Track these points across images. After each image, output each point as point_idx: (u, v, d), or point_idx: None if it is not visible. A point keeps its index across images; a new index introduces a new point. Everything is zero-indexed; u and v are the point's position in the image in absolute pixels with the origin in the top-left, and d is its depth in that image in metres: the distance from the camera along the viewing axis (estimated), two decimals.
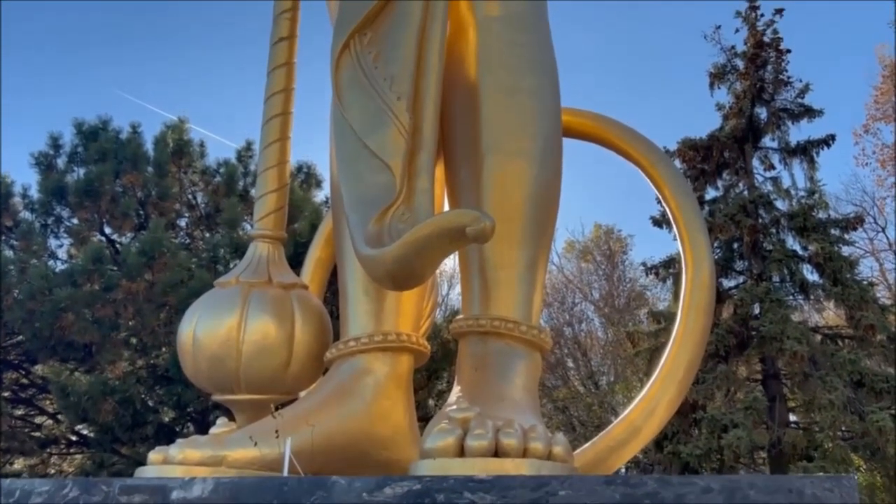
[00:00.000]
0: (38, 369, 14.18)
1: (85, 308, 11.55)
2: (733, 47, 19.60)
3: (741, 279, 17.90)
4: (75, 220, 13.67)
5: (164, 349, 12.45)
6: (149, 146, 14.21)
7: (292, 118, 4.02)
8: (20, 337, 12.80)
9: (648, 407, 3.54)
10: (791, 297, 17.21)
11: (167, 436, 11.30)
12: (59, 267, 13.33)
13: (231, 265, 11.43)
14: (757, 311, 16.61)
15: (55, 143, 13.82)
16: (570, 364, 29.88)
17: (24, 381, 14.63)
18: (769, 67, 18.82)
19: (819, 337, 17.03)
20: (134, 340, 12.89)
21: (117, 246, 13.87)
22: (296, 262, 4.64)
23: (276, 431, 2.82)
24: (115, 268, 12.41)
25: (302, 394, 3.52)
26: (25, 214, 13.64)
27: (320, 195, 16.03)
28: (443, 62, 3.15)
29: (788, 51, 18.96)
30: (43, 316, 11.37)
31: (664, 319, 17.88)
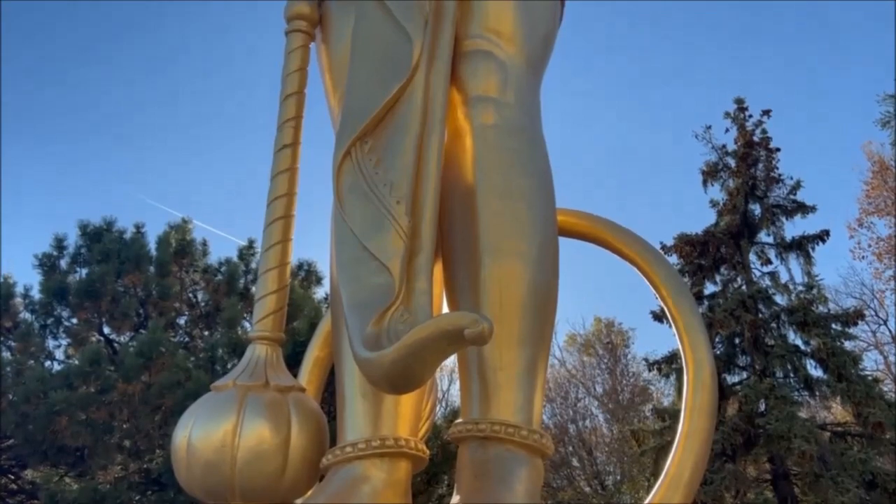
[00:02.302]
0: (28, 474, 13.82)
1: (79, 411, 11.37)
2: (724, 146, 20.21)
3: (745, 374, 17.73)
4: (75, 321, 13.67)
5: (157, 452, 12.16)
6: (152, 245, 14.39)
7: (294, 220, 4.09)
8: (12, 441, 12.54)
9: None
10: (796, 393, 16.98)
11: None
12: (56, 368, 13.21)
13: (229, 365, 11.34)
14: (762, 407, 16.34)
15: (59, 245, 14.01)
16: (576, 463, 29.15)
17: (14, 486, 14.22)
18: (760, 165, 19.32)
19: (828, 435, 16.68)
20: (127, 444, 12.62)
21: (115, 346, 13.80)
22: (294, 361, 4.60)
23: None
24: (113, 368, 12.30)
25: (298, 502, 3.42)
26: (25, 315, 13.66)
27: (320, 292, 16.10)
28: (440, 168, 3.24)
29: (778, 149, 19.53)
30: (36, 419, 11.18)
31: (669, 417, 17.58)
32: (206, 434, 3.19)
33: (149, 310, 13.86)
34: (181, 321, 15.23)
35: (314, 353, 4.67)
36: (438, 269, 3.56)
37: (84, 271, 13.68)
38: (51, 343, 13.91)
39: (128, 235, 14.26)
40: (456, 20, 3.48)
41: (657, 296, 4.02)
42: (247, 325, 13.59)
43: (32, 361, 12.62)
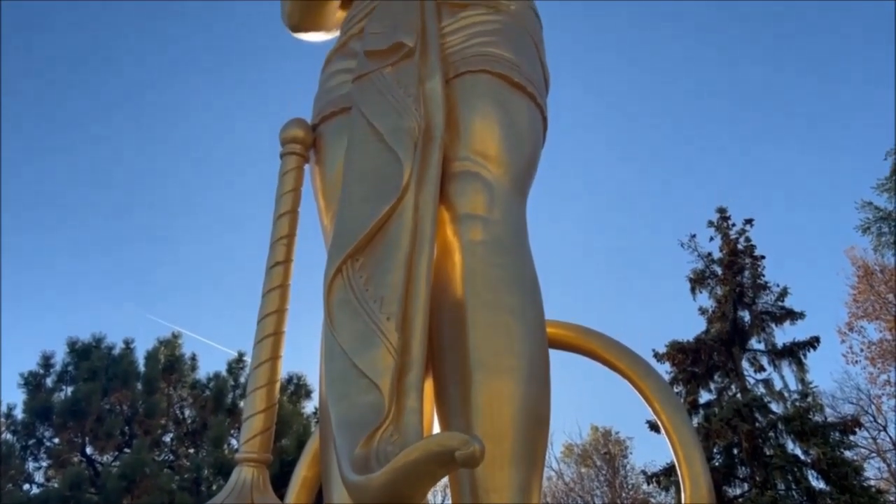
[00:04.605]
0: None
1: None
2: (710, 254, 20.49)
3: (745, 486, 17.20)
4: (57, 441, 13.29)
5: None
6: (141, 360, 14.24)
7: (284, 337, 4.09)
8: None
9: None
10: None
11: None
12: (34, 491, 12.71)
13: (215, 486, 10.98)
14: None
15: (46, 363, 13.82)
16: None
17: None
18: (746, 273, 19.54)
19: None
20: None
21: (97, 467, 13.35)
22: (282, 482, 4.48)
23: None
24: (94, 491, 11.85)
25: None
26: (7, 436, 13.27)
27: (309, 406, 15.86)
28: (430, 285, 3.28)
29: (762, 257, 19.80)
30: None
31: None
32: None
33: (134, 428, 13.53)
34: (167, 438, 14.85)
35: (302, 473, 4.55)
36: (429, 385, 3.53)
37: (70, 389, 13.43)
38: (31, 465, 13.47)
39: (117, 351, 14.13)
40: (444, 143, 3.62)
41: (650, 408, 3.99)
42: (234, 441, 13.26)
43: (11, 485, 12.14)
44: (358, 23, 4.13)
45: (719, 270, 19.58)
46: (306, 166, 4.22)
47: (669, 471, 17.51)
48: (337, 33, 4.53)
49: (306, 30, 4.71)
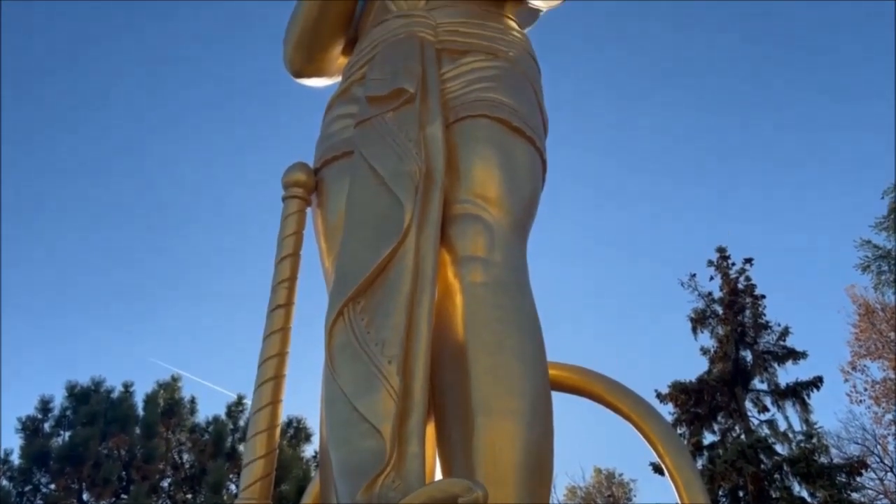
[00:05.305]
0: None
1: None
2: (710, 293, 20.50)
3: None
4: (53, 487, 13.12)
5: None
6: (140, 403, 14.16)
7: (285, 380, 4.07)
8: None
9: None
10: None
11: None
12: None
13: None
14: None
15: (45, 407, 13.71)
16: None
17: None
18: (747, 312, 19.52)
19: None
20: None
21: None
22: None
23: None
24: None
25: None
26: (3, 483, 13.10)
27: (309, 450, 15.74)
28: (431, 328, 3.29)
29: (763, 296, 19.79)
30: None
31: None
32: None
33: (132, 473, 13.36)
34: (165, 484, 14.66)
35: None
36: (431, 428, 3.51)
37: (68, 434, 13.30)
38: None
39: (116, 394, 14.04)
40: (444, 186, 3.66)
41: (653, 451, 3.95)
42: (233, 487, 13.11)
43: None
44: (359, 69, 4.21)
45: (720, 310, 19.57)
46: (308, 210, 4.25)
47: None
48: (339, 79, 4.61)
49: (308, 76, 4.80)
